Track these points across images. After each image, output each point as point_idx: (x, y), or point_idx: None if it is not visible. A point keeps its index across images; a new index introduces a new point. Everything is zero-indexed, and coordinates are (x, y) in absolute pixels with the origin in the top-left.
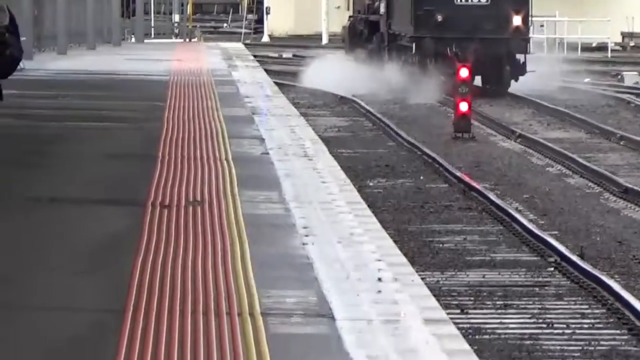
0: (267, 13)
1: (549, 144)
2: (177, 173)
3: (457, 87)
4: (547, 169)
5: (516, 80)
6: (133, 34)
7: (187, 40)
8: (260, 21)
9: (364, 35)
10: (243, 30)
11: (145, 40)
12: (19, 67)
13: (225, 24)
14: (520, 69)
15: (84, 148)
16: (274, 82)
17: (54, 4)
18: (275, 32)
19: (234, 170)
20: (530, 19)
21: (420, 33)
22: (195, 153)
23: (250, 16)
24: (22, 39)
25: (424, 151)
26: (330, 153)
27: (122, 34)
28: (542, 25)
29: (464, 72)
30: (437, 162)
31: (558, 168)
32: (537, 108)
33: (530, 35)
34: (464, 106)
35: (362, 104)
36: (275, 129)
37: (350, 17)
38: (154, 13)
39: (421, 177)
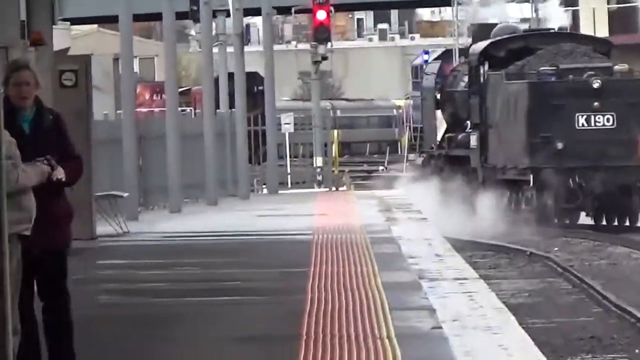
0: None
1: None
2: (328, 358)
3: None
4: None
5: None
6: (265, 184)
7: (334, 189)
8: None
9: (444, 172)
10: (404, 174)
11: (280, 192)
12: (121, 230)
13: (381, 167)
14: None
15: (209, 330)
16: (447, 237)
17: (163, 150)
18: None
19: (398, 352)
20: None
21: (537, 163)
22: (349, 331)
23: (412, 156)
24: (125, 194)
25: (639, 318)
26: (520, 324)
27: (251, 185)
28: None
29: None
30: None
31: None
32: None
33: None
34: None
35: (558, 260)
36: (448, 297)
37: (421, 152)
38: (290, 157)
39: (637, 351)
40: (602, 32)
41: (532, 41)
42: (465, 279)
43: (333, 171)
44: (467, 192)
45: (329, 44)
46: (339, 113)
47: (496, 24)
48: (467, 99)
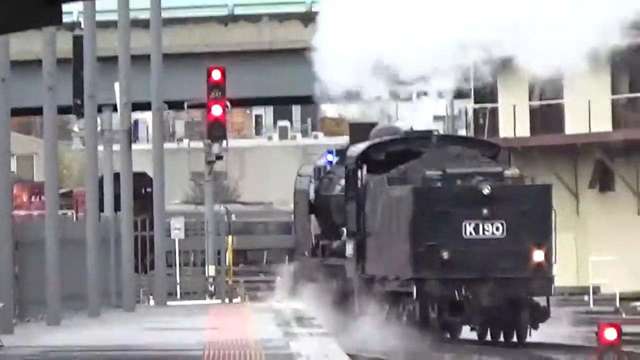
0: None
1: None
2: None
3: (602, 357)
4: None
5: (536, 329)
6: (152, 295)
7: (227, 301)
8: None
9: (318, 282)
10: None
11: (169, 303)
12: None
13: (279, 277)
14: (541, 315)
15: None
16: (350, 355)
17: (41, 257)
18: None
19: None
20: (554, 253)
21: (421, 275)
22: None
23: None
24: (0, 305)
25: None
26: None
27: (137, 296)
28: None
29: (610, 334)
30: None
31: None
32: None
33: (553, 274)
34: None
35: None
36: None
37: (293, 260)
38: (180, 265)
39: None
40: (523, 131)
41: (415, 144)
42: None
43: (227, 281)
44: (342, 304)
45: (225, 142)
46: (234, 218)
47: (376, 123)
48: (343, 204)
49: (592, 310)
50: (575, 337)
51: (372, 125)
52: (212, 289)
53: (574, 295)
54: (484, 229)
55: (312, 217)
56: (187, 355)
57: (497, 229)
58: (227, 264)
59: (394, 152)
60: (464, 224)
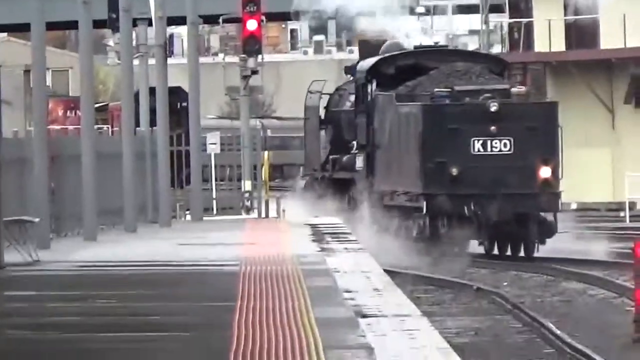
0: None
1: None
2: None
3: (638, 271)
4: None
5: (543, 244)
6: (188, 210)
7: (263, 216)
8: None
9: (327, 196)
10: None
11: (205, 218)
12: (31, 258)
13: (290, 192)
14: (548, 230)
15: None
16: (386, 270)
17: (77, 172)
18: None
19: None
20: (560, 169)
21: (431, 190)
22: None
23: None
24: (35, 220)
25: None
26: None
27: (173, 211)
28: None
29: None
30: None
31: None
32: None
33: (560, 189)
34: None
35: (508, 296)
36: (388, 335)
37: (304, 175)
38: (216, 180)
39: None
40: (559, 46)
41: (423, 59)
42: (406, 315)
43: (264, 196)
44: (352, 217)
45: (260, 56)
46: (269, 133)
47: (385, 40)
48: (353, 119)
49: (628, 226)
50: (611, 253)
51: (383, 42)
52: (248, 204)
53: (611, 211)
54: (492, 145)
55: (322, 132)
56: (225, 271)
57: (505, 145)
58: (263, 179)
59: (403, 66)
60: (472, 140)
